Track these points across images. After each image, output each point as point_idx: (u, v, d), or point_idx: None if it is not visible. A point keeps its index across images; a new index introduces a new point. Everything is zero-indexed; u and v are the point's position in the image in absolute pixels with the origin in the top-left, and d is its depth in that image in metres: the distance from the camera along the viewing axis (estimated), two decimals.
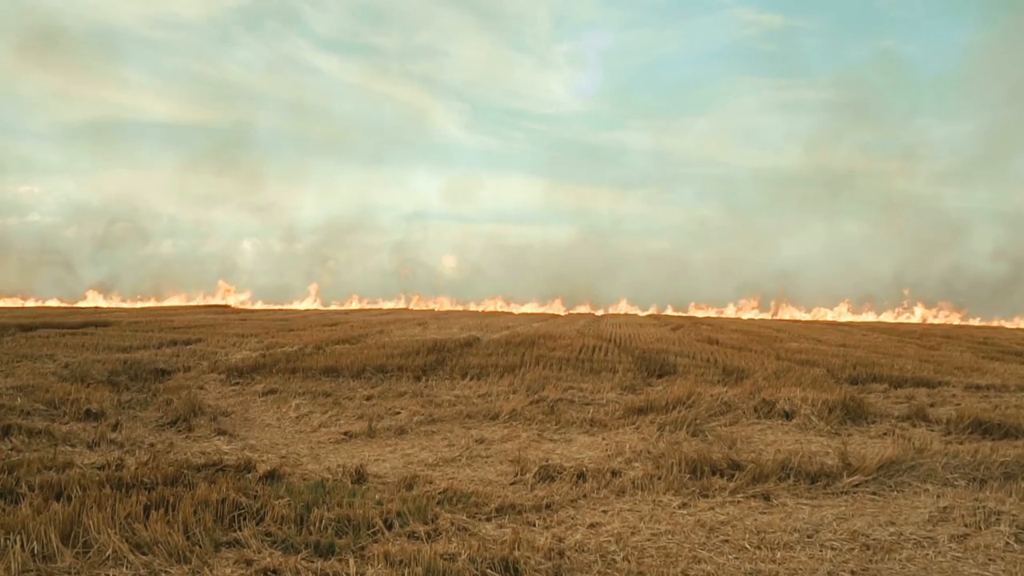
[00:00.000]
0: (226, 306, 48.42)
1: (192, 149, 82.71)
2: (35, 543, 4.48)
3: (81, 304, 46.27)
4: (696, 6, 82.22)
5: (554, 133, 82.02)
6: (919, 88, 75.93)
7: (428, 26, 78.87)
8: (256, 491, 5.70)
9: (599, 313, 48.08)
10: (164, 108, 75.08)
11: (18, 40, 68.01)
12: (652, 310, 50.71)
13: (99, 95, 72.26)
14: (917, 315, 47.47)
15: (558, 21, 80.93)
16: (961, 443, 8.04)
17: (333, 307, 49.92)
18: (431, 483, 6.38)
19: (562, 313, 47.64)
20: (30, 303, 45.79)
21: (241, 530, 4.96)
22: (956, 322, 45.07)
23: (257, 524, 5.10)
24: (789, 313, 49.15)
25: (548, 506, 5.84)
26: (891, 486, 6.38)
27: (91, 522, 4.76)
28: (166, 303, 48.75)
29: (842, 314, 48.30)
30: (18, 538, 4.49)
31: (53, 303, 46.38)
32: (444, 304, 52.38)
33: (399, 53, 78.98)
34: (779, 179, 71.74)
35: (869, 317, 47.67)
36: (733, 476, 6.52)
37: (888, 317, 47.50)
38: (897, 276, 49.51)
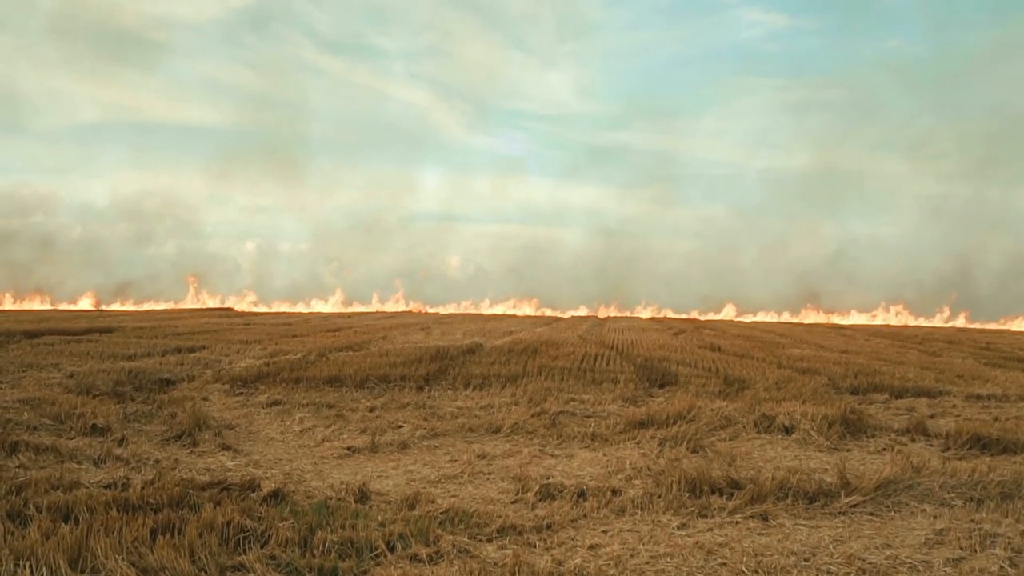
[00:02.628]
0: (230, 309, 48.56)
1: (197, 151, 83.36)
2: (44, 569, 4.56)
3: (106, 308, 46.60)
4: (700, 6, 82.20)
5: (559, 134, 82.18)
6: (925, 87, 75.80)
7: (432, 27, 79.01)
8: (260, 512, 5.77)
9: (602, 316, 48.12)
10: (167, 108, 75.33)
11: (26, 41, 68.36)
12: (665, 312, 50.75)
13: (103, 95, 72.51)
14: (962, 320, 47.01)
15: (561, 22, 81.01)
16: (960, 459, 8.09)
17: (337, 310, 50.04)
18: (433, 502, 6.44)
19: (565, 316, 47.70)
20: (45, 306, 46.08)
21: (246, 554, 5.03)
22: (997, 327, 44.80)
23: (262, 547, 5.18)
24: (812, 317, 48.90)
25: (549, 526, 5.90)
26: (888, 506, 6.44)
27: (99, 547, 4.83)
28: (175, 306, 48.93)
29: (877, 318, 48.00)
30: (27, 564, 4.57)
31: (84, 304, 46.75)
32: (447, 307, 52.48)
33: (403, 54, 79.22)
34: (786, 179, 71.85)
35: (901, 320, 47.54)
36: (732, 495, 6.57)
37: (925, 321, 47.19)
38: (907, 277, 49.51)
